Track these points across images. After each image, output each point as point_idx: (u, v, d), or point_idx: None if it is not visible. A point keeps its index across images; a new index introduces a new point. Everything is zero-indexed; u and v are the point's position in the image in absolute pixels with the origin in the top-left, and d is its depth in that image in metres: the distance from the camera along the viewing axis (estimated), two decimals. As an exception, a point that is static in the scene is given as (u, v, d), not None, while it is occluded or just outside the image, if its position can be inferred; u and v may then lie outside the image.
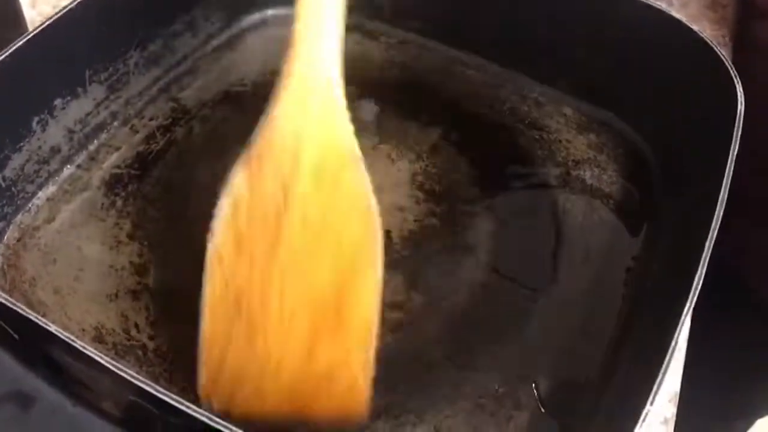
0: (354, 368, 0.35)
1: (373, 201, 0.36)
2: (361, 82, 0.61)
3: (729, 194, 0.42)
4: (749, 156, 0.45)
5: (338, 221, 0.35)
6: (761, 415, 0.73)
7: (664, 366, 0.36)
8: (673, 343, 0.36)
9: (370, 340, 0.35)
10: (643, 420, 0.34)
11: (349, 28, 0.65)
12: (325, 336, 0.35)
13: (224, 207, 0.35)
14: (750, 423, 0.74)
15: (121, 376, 0.33)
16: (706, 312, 0.49)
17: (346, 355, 0.35)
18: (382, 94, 0.61)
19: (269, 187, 0.35)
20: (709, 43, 0.50)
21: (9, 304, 0.35)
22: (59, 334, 0.34)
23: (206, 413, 0.32)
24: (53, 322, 0.34)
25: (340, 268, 0.35)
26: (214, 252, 0.35)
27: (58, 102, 0.52)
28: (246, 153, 0.36)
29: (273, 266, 0.35)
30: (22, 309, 0.35)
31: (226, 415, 0.34)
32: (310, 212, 0.35)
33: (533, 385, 0.45)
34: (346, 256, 0.35)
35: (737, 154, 0.44)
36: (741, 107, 0.47)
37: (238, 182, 0.35)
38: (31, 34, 0.47)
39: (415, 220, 0.52)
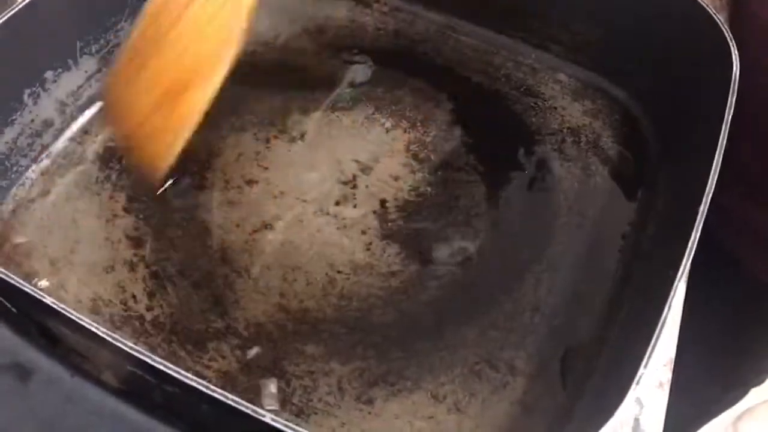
0: (170, 138, 0.45)
1: (233, 34, 0.44)
2: (355, 51, 0.61)
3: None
4: (747, 132, 0.44)
5: (208, 37, 0.45)
6: (754, 384, 0.74)
7: (657, 330, 0.36)
8: (666, 308, 0.37)
9: (186, 128, 0.45)
10: (638, 383, 0.34)
11: (343, -5, 0.65)
12: (164, 108, 0.45)
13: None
14: (744, 391, 0.75)
15: (118, 346, 0.33)
16: (703, 288, 0.49)
17: (171, 126, 0.45)
18: (375, 63, 0.60)
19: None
20: (705, 6, 0.50)
21: (6, 278, 0.35)
22: (56, 307, 0.34)
23: (203, 382, 0.32)
24: (50, 295, 0.34)
25: (194, 69, 0.45)
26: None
27: (49, 75, 0.52)
28: None
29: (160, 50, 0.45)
30: (19, 282, 0.35)
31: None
32: (191, 29, 0.44)
33: (528, 350, 0.45)
34: (202, 62, 0.45)
35: (733, 132, 0.44)
36: (736, 70, 0.46)
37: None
38: (20, 6, 0.46)
39: (410, 189, 0.52)
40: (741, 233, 0.62)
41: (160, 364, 0.32)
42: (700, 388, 0.67)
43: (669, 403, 0.45)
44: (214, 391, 0.32)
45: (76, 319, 0.34)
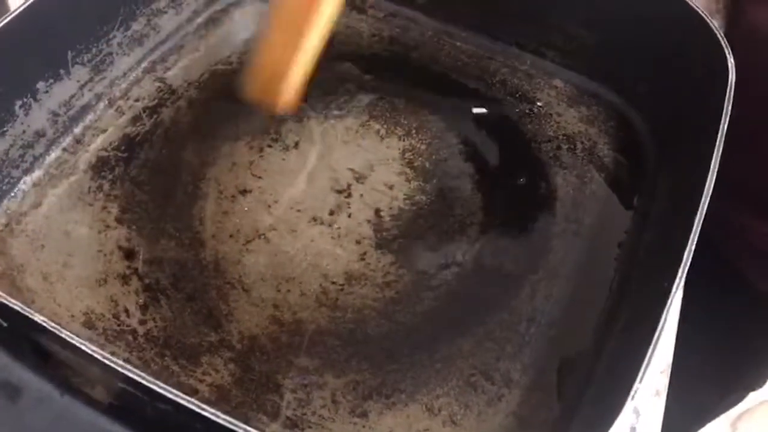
0: (297, 73, 0.50)
1: None
2: (350, 57, 0.61)
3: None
4: (743, 140, 0.44)
5: None
6: (752, 389, 0.74)
7: (654, 341, 0.36)
8: (663, 318, 0.36)
9: (304, 66, 0.50)
10: (633, 397, 0.34)
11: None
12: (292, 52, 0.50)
13: None
14: (742, 396, 0.75)
15: (108, 365, 0.32)
16: (700, 296, 0.49)
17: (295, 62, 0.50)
18: (370, 69, 0.60)
19: None
20: (701, 13, 0.50)
21: (-4, 294, 0.35)
22: (46, 324, 0.34)
23: (194, 401, 0.31)
24: (42, 309, 0.34)
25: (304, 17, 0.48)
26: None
27: (40, 85, 0.51)
28: None
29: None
30: (8, 300, 0.35)
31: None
32: None
33: (524, 361, 0.45)
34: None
35: (730, 139, 0.43)
36: (732, 76, 0.46)
37: None
38: (11, 16, 0.46)
39: (405, 198, 0.52)
40: (738, 242, 0.62)
41: (151, 382, 0.32)
42: (697, 395, 0.67)
43: (665, 408, 0.45)
44: (204, 409, 0.31)
45: (66, 337, 0.33)
